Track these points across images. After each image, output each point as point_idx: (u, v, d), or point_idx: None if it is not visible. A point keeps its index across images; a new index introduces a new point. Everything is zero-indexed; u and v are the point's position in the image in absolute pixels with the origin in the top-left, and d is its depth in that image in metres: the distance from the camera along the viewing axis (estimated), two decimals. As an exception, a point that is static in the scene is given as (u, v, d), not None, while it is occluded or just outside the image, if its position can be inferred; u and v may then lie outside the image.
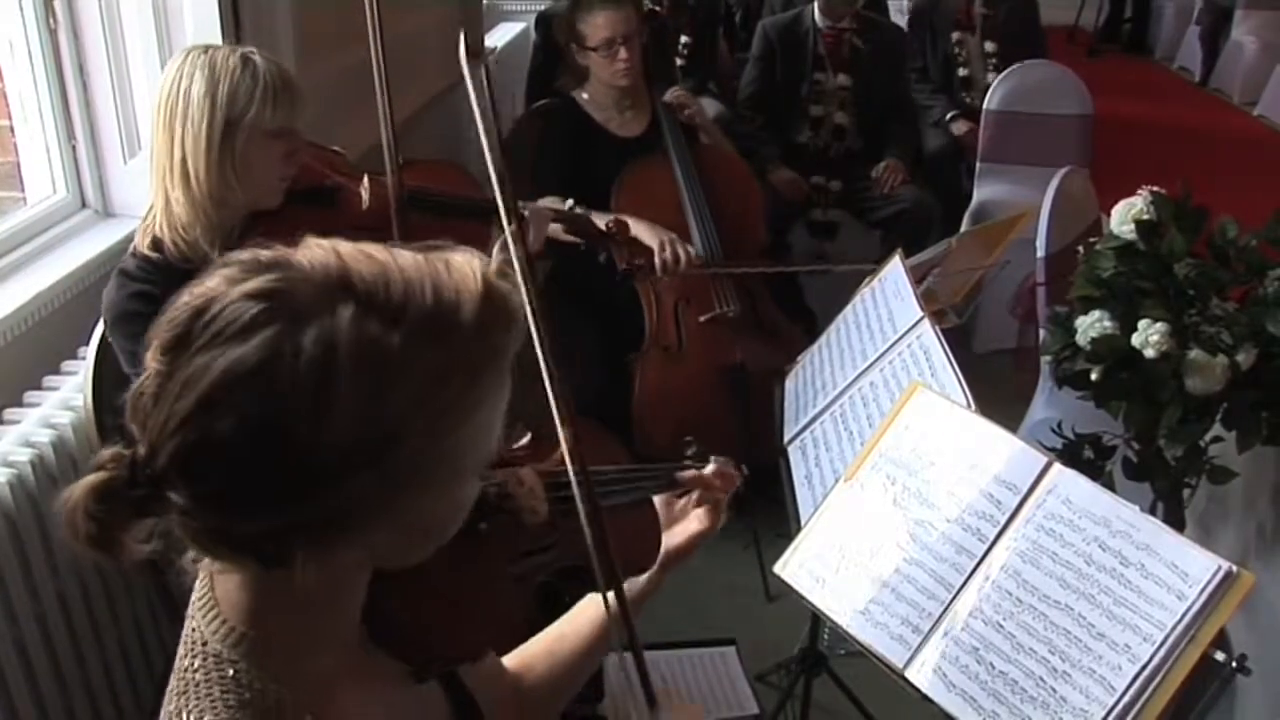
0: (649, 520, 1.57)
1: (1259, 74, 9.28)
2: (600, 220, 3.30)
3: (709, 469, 1.60)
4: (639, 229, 3.35)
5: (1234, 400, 2.21)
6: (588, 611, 1.48)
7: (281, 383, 0.84)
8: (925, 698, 1.69)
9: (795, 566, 1.91)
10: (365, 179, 2.39)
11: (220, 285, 0.89)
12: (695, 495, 1.58)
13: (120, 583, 2.37)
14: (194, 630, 1.02)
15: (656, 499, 1.57)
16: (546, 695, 1.46)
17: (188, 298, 0.90)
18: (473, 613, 1.23)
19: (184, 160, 2.05)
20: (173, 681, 1.02)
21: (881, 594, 1.78)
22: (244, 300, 0.87)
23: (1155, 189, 2.32)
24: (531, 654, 1.47)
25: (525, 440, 1.46)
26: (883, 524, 1.84)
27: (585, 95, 3.65)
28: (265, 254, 0.91)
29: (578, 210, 2.85)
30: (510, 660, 1.45)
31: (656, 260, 3.31)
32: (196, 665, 0.99)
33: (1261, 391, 2.19)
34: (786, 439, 2.36)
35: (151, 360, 0.89)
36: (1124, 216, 2.30)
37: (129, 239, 2.64)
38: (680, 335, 3.52)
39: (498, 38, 5.31)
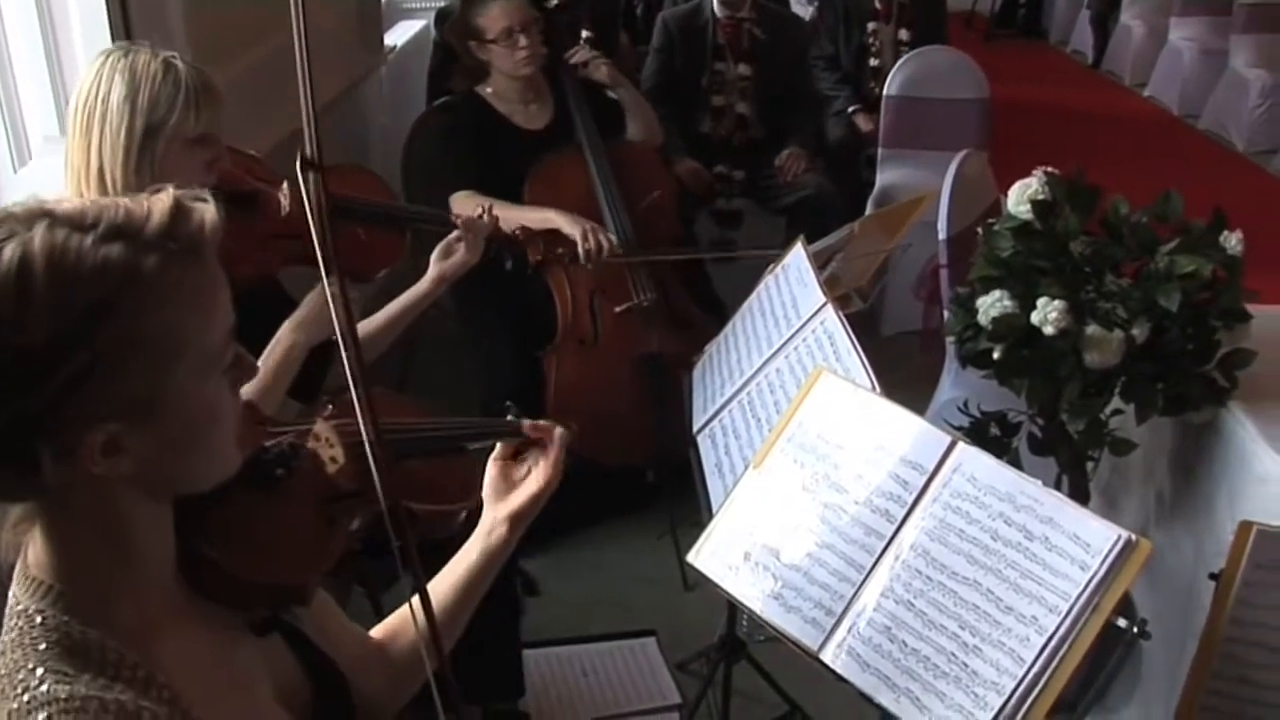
0: (463, 465, 1.69)
1: (1147, 56, 9.54)
2: (519, 213, 3.31)
3: (524, 424, 1.65)
4: (560, 220, 3.37)
5: (1131, 373, 2.26)
6: (451, 570, 1.55)
7: None
8: (841, 678, 1.71)
9: (708, 555, 1.91)
10: (285, 185, 2.37)
11: None
12: (529, 457, 1.63)
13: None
14: (12, 600, 1.08)
15: (492, 466, 1.62)
16: (413, 658, 1.50)
17: None
18: (279, 549, 1.30)
19: (101, 167, 2.01)
20: None
21: (794, 578, 1.79)
22: None
23: (1050, 169, 2.36)
24: (396, 620, 1.55)
25: (328, 411, 1.51)
26: (793, 509, 1.85)
27: (489, 90, 3.63)
28: None
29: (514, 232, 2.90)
30: (376, 630, 1.54)
31: (580, 249, 3.32)
32: (11, 626, 1.06)
33: (1157, 364, 2.24)
34: (695, 428, 2.37)
35: None
36: (1020, 197, 2.33)
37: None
38: (596, 327, 3.53)
39: (397, 36, 5.25)
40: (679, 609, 3.20)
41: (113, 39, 2.58)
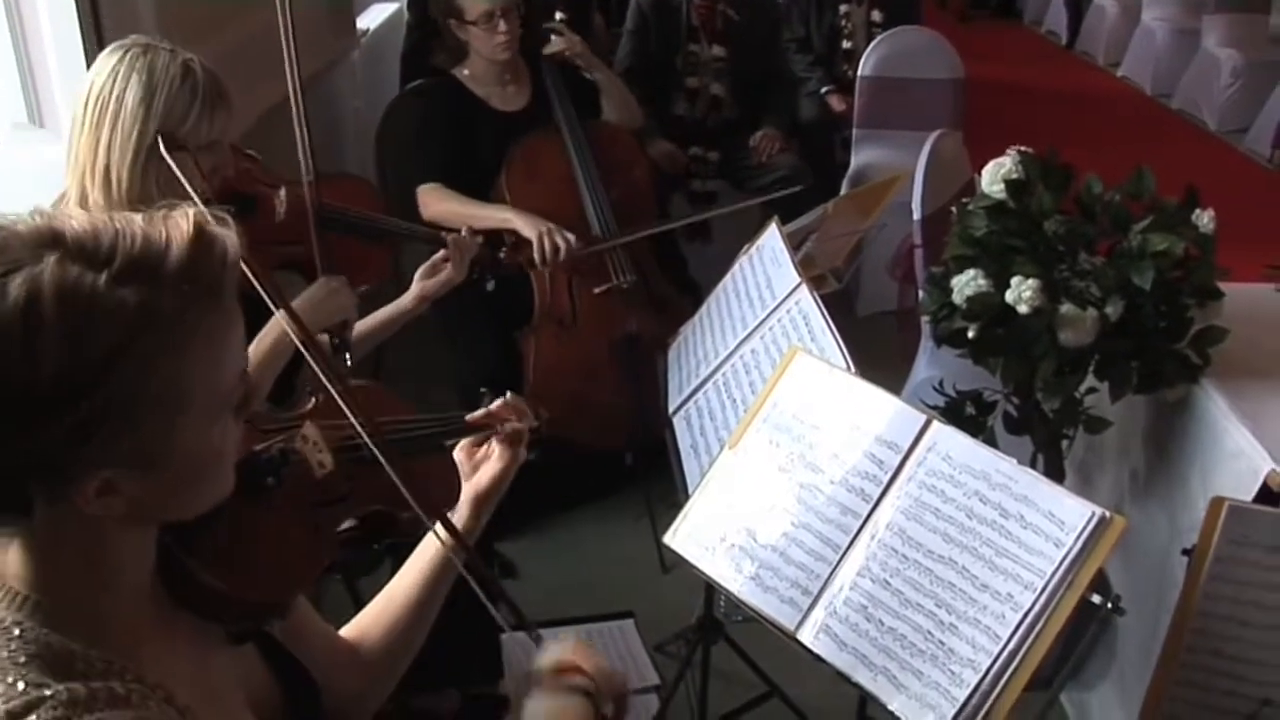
0: (443, 465, 1.62)
1: (1121, 36, 9.59)
2: (476, 211, 3.35)
3: (494, 404, 1.62)
4: (518, 221, 3.36)
5: (1105, 351, 2.27)
6: (416, 562, 1.51)
7: None
8: (819, 658, 1.71)
9: (684, 536, 1.91)
10: (282, 190, 2.36)
11: None
12: (494, 440, 1.60)
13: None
14: None
15: (458, 451, 1.60)
16: (388, 652, 1.50)
17: None
18: (269, 564, 1.28)
19: (108, 165, 1.98)
20: None
21: (770, 559, 1.79)
22: None
23: (1023, 149, 2.37)
24: (369, 615, 1.52)
25: (310, 405, 1.49)
26: (769, 489, 1.85)
27: (466, 71, 3.62)
28: None
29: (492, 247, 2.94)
30: (348, 630, 1.50)
31: (535, 254, 3.31)
32: None
33: (1130, 342, 2.25)
34: (671, 409, 2.37)
35: None
36: (994, 176, 2.34)
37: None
38: (574, 308, 3.52)
39: (370, 19, 5.21)
40: (657, 591, 3.20)
41: (80, 24, 2.55)
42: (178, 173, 1.43)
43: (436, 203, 3.44)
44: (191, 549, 1.14)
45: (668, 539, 1.94)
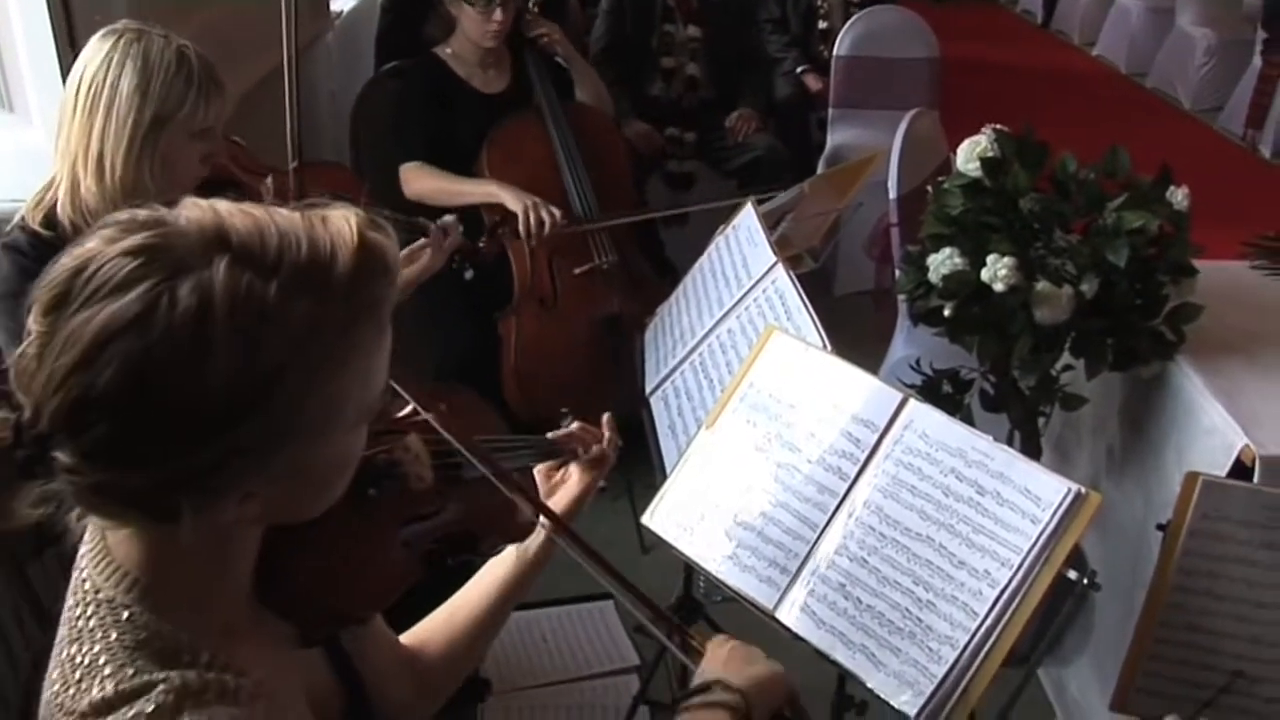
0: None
1: (1096, 15, 9.62)
2: (462, 186, 3.32)
3: (574, 425, 1.62)
4: (504, 194, 3.36)
5: (1080, 329, 2.28)
6: (485, 579, 1.49)
7: (158, 333, 0.86)
8: (798, 637, 1.72)
9: (662, 516, 1.91)
10: (269, 178, 2.35)
11: (98, 245, 0.90)
12: (572, 464, 1.60)
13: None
14: (84, 581, 1.01)
15: (537, 472, 1.59)
16: (448, 664, 1.47)
17: (67, 259, 0.91)
18: (361, 576, 1.25)
19: (101, 153, 1.96)
20: (62, 632, 1.01)
21: (748, 538, 1.79)
22: (121, 257, 0.88)
23: (999, 127, 2.37)
24: (430, 626, 1.48)
25: (410, 408, 1.46)
26: (746, 469, 1.85)
27: (449, 50, 3.60)
28: (143, 213, 0.93)
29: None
30: (408, 636, 1.46)
31: (521, 227, 3.31)
32: (89, 613, 0.99)
33: (1106, 319, 2.26)
34: (648, 390, 2.36)
35: (33, 323, 0.91)
36: (970, 154, 2.35)
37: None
38: (555, 288, 3.51)
39: (344, 1, 5.17)
40: (636, 571, 3.15)
41: (49, 7, 2.52)
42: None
43: (419, 180, 3.44)
44: (290, 554, 1.12)
45: (645, 519, 1.94)
